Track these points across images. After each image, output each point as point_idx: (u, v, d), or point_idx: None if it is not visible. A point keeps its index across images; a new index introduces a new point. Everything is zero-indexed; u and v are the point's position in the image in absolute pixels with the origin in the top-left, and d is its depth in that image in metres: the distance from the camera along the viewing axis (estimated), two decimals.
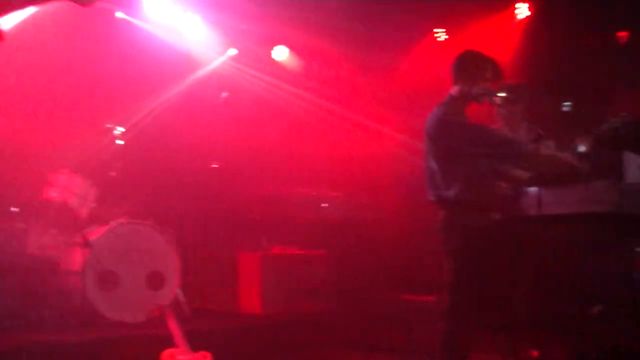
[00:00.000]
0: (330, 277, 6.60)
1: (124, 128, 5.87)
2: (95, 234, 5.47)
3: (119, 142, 5.79)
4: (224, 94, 6.78)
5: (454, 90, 3.74)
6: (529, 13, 7.18)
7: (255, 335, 5.49)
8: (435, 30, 7.66)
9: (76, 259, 5.38)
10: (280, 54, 7.78)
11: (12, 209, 5.43)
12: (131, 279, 5.42)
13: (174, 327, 4.06)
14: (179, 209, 6.66)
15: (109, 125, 5.75)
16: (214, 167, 6.90)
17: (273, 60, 7.76)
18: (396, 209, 7.25)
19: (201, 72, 7.26)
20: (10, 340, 4.56)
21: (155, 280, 5.53)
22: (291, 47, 7.76)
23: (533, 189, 3.42)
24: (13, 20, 5.38)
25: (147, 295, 5.43)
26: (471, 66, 3.71)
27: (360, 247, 7.17)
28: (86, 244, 5.29)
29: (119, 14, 6.68)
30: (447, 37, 7.65)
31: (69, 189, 5.49)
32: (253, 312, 6.20)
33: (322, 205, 7.47)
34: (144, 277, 5.48)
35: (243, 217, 7.06)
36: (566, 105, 4.25)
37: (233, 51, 7.37)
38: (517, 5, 7.24)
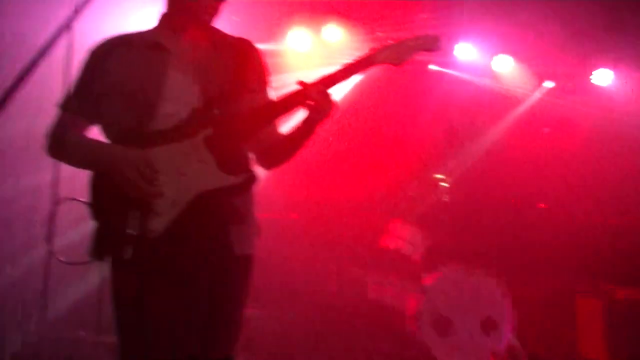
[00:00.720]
0: None
1: (449, 176, 6.05)
2: (430, 280, 5.66)
3: (444, 184, 5.97)
4: (546, 130, 6.53)
5: None
6: None
7: None
8: None
9: (412, 304, 5.63)
10: (603, 77, 7.18)
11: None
12: (466, 325, 5.45)
13: None
14: (507, 251, 6.53)
15: (437, 176, 5.99)
16: (541, 208, 6.63)
17: (594, 85, 7.23)
18: None
19: (519, 111, 7.14)
20: None
21: (489, 326, 5.49)
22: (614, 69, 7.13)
23: None
24: (342, 91, 6.09)
25: (482, 341, 5.40)
26: None
27: None
28: (421, 290, 5.51)
29: (432, 67, 7.02)
30: None
31: (402, 237, 5.83)
32: (596, 358, 5.73)
33: None
34: (478, 323, 5.48)
35: (575, 256, 6.60)
36: None
37: (549, 84, 7.10)
38: None
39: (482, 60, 6.95)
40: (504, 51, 6.95)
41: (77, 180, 2.34)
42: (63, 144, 2.30)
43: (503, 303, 5.54)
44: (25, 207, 4.54)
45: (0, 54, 4.80)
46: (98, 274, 2.19)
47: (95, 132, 2.44)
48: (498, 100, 7.07)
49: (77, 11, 1.89)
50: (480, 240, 6.20)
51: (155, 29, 2.49)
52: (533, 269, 6.62)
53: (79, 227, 3.40)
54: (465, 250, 5.98)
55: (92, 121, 2.44)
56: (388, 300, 5.85)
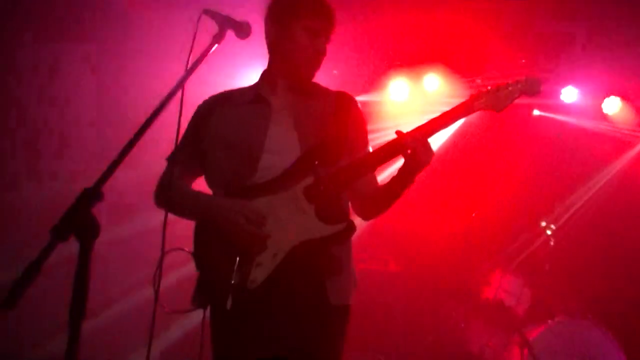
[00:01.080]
0: None
1: (556, 222, 5.82)
2: (534, 333, 5.40)
3: (549, 232, 5.74)
4: None
5: None
6: None
7: None
8: None
9: (514, 358, 5.37)
10: None
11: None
12: None
13: None
14: (621, 303, 6.12)
15: (543, 224, 5.77)
16: None
17: None
18: None
19: (631, 154, 6.78)
20: None
21: None
22: None
23: None
24: (442, 139, 6.10)
25: None
26: None
27: None
28: (525, 343, 5.26)
29: (536, 112, 6.86)
30: None
31: (504, 288, 5.62)
32: None
33: None
34: None
35: None
36: None
37: None
38: None
39: (590, 103, 6.71)
40: (613, 93, 6.68)
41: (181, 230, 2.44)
42: (171, 195, 2.41)
43: (614, 354, 5.17)
44: (134, 251, 4.88)
45: (125, 106, 5.27)
46: (198, 320, 2.25)
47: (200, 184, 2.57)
48: (608, 144, 6.76)
49: (188, 71, 2.01)
50: (588, 291, 5.87)
51: (257, 84, 2.60)
52: None
53: (179, 273, 3.56)
54: (572, 301, 5.67)
55: (197, 174, 2.56)
56: (489, 354, 5.62)
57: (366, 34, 6.02)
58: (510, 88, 2.42)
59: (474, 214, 5.98)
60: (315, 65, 2.51)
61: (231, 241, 2.29)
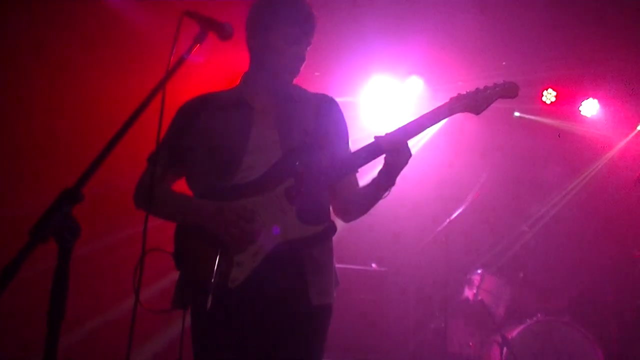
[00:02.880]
0: None
1: (535, 225, 5.88)
2: (513, 332, 5.46)
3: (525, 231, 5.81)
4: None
5: None
6: None
7: None
8: None
9: (494, 357, 5.42)
10: None
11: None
12: None
13: None
14: (598, 302, 6.20)
15: (525, 228, 5.83)
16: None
17: None
18: None
19: (610, 155, 6.88)
20: None
21: None
22: None
23: None
24: (422, 140, 6.15)
25: None
26: None
27: None
28: (504, 342, 5.31)
29: (517, 113, 6.94)
30: None
31: (484, 288, 5.67)
32: None
33: None
34: None
35: None
36: None
37: None
38: None
39: (569, 106, 6.80)
40: (592, 95, 6.78)
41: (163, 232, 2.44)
42: (152, 196, 2.41)
43: (591, 356, 5.23)
44: (120, 258, 4.87)
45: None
46: (180, 322, 2.24)
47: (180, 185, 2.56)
48: (587, 146, 6.85)
49: (169, 72, 2.01)
50: (566, 291, 5.93)
51: (239, 87, 2.62)
52: (629, 321, 6.26)
53: (163, 277, 3.55)
54: (551, 301, 5.73)
55: (179, 174, 2.55)
56: (470, 353, 5.67)
57: (348, 36, 6.05)
58: (488, 91, 2.45)
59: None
60: (294, 70, 2.54)
61: (213, 241, 2.29)
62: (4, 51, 5.61)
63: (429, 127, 2.39)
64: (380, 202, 2.48)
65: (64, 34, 5.75)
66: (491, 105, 2.48)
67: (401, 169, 2.36)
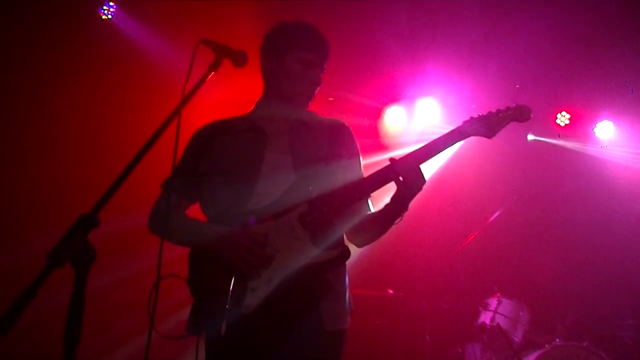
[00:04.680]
0: None
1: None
2: (531, 358, 5.36)
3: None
4: None
5: None
6: None
7: None
8: None
9: None
10: None
11: None
12: None
13: None
14: (618, 326, 6.09)
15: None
16: None
17: None
18: None
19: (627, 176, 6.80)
20: None
21: None
22: None
23: None
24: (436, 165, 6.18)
25: None
26: None
27: None
28: None
29: (531, 136, 6.95)
30: None
31: (501, 312, 5.59)
32: None
33: None
34: None
35: None
36: None
37: None
38: None
39: (584, 128, 6.78)
40: (607, 117, 6.74)
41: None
42: (166, 221, 2.42)
43: None
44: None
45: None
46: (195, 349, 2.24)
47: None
48: (603, 167, 6.79)
49: (185, 99, 2.04)
50: (585, 315, 5.84)
51: (253, 113, 2.65)
52: None
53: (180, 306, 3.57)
54: (570, 323, 5.64)
55: (193, 200, 2.57)
56: None
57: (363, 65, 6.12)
58: (501, 115, 2.45)
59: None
60: (309, 95, 2.56)
61: (227, 266, 2.30)
62: (23, 85, 5.78)
63: (442, 150, 2.39)
64: (399, 226, 2.45)
65: (80, 66, 5.90)
66: (505, 128, 2.48)
67: (414, 195, 2.34)
